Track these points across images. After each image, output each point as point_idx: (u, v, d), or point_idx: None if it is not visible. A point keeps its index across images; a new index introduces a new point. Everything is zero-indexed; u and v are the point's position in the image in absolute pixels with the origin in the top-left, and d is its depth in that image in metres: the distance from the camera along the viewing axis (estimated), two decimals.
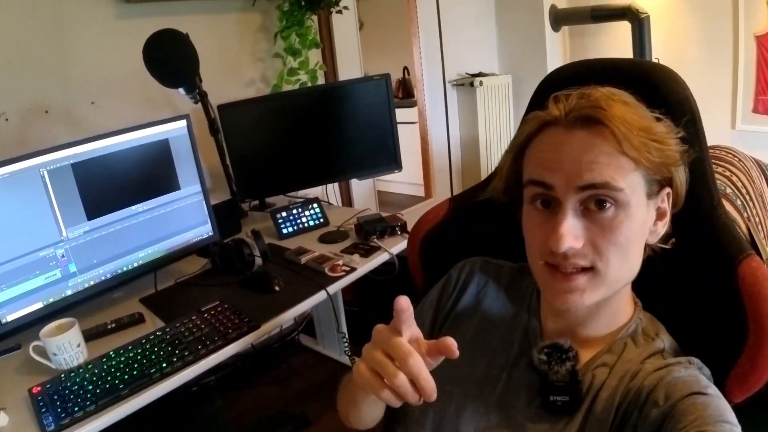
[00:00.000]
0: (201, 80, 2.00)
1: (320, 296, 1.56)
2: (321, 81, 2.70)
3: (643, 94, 0.71)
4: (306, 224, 2.08)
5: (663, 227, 0.73)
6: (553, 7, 3.88)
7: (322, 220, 2.10)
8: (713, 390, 0.64)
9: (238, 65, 2.50)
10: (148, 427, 1.52)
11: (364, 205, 2.86)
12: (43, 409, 1.12)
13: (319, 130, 2.27)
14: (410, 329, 0.60)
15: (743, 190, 1.91)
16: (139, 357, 1.27)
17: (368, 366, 0.60)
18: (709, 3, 3.80)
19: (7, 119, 1.84)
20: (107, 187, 1.54)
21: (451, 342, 0.57)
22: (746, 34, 3.73)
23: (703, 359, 0.71)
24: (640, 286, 0.76)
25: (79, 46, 1.99)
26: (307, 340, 2.75)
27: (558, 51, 4.04)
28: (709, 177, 0.77)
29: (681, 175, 0.71)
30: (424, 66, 3.57)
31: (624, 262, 0.69)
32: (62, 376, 1.23)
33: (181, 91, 1.99)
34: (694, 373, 0.67)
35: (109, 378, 1.20)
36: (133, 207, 1.59)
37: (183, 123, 1.68)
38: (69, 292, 1.49)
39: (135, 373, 1.21)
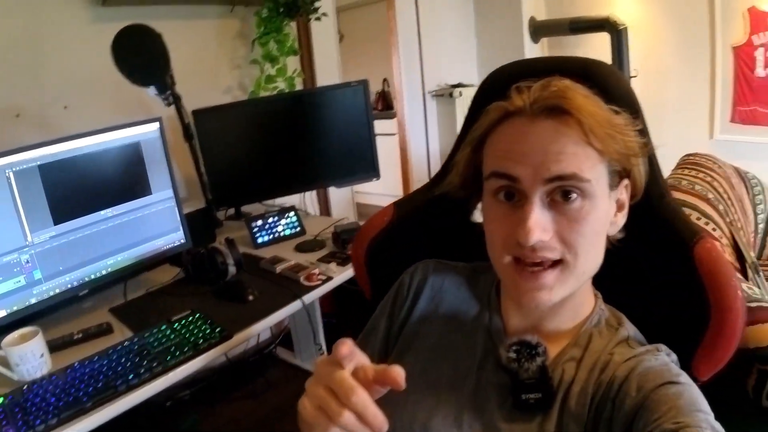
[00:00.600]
0: (174, 81, 1.96)
1: (295, 306, 1.53)
2: (299, 89, 2.67)
3: (591, 89, 0.71)
4: (282, 233, 2.04)
5: (623, 219, 0.73)
6: (532, 19, 3.92)
7: (298, 229, 2.07)
8: (685, 378, 0.64)
9: (216, 72, 2.46)
10: None
11: (342, 214, 2.83)
12: (4, 422, 1.07)
13: (296, 137, 2.23)
14: (354, 360, 0.56)
15: (725, 196, 1.95)
16: (105, 368, 1.22)
17: (312, 403, 0.56)
18: (686, 15, 3.90)
19: None
20: (75, 191, 1.49)
21: (397, 374, 0.53)
22: (723, 45, 3.83)
23: (668, 344, 0.71)
24: (599, 278, 0.76)
25: (53, 50, 1.95)
26: (284, 353, 2.70)
27: None
28: (656, 169, 0.78)
29: (641, 167, 0.72)
30: (404, 77, 3.58)
31: (591, 254, 0.69)
32: (24, 387, 1.18)
33: (153, 91, 1.94)
34: (665, 361, 0.67)
35: (72, 390, 1.15)
36: (102, 212, 1.54)
37: (155, 126, 1.64)
38: (34, 300, 1.43)
39: (100, 385, 1.17)
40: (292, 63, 2.60)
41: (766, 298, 1.66)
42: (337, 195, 3.05)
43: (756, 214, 2.35)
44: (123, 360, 1.25)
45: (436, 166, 3.85)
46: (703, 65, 3.92)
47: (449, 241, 0.95)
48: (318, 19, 2.52)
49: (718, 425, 0.57)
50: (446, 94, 3.72)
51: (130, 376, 1.19)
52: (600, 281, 0.77)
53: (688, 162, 2.11)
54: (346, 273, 1.70)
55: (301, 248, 1.93)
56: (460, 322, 0.83)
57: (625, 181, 0.72)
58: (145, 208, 1.64)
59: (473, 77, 4.06)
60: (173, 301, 1.58)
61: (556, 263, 0.67)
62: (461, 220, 0.85)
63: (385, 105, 4.89)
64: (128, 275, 1.66)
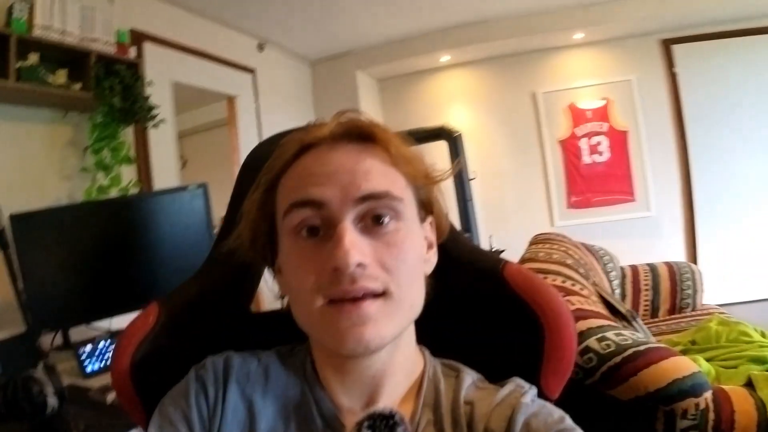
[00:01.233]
0: None
1: None
2: None
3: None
4: None
5: (434, 257, 0.70)
6: None
7: None
8: (569, 420, 0.59)
9: (42, 181, 2.25)
10: None
11: None
12: None
13: (130, 247, 2.00)
14: None
15: (582, 261, 2.13)
16: None
17: None
18: (514, 118, 4.45)
19: None
20: None
21: None
22: (551, 140, 4.34)
23: (513, 372, 0.68)
24: (423, 332, 0.71)
25: None
26: None
27: None
28: (442, 210, 0.76)
29: (441, 205, 0.70)
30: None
31: (415, 285, 0.63)
32: None
33: None
34: (542, 403, 0.62)
35: None
36: None
37: None
38: None
39: None
40: (129, 173, 2.45)
41: (652, 339, 1.72)
42: None
43: (610, 281, 2.62)
44: None
45: None
46: (536, 160, 4.42)
47: (233, 333, 0.80)
48: (156, 126, 2.40)
49: None
50: None
51: None
52: (425, 333, 0.72)
53: (540, 239, 2.34)
54: None
55: None
56: (287, 413, 0.65)
57: (430, 218, 0.69)
58: None
59: None
60: None
61: (378, 296, 0.58)
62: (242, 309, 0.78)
63: None
64: None
